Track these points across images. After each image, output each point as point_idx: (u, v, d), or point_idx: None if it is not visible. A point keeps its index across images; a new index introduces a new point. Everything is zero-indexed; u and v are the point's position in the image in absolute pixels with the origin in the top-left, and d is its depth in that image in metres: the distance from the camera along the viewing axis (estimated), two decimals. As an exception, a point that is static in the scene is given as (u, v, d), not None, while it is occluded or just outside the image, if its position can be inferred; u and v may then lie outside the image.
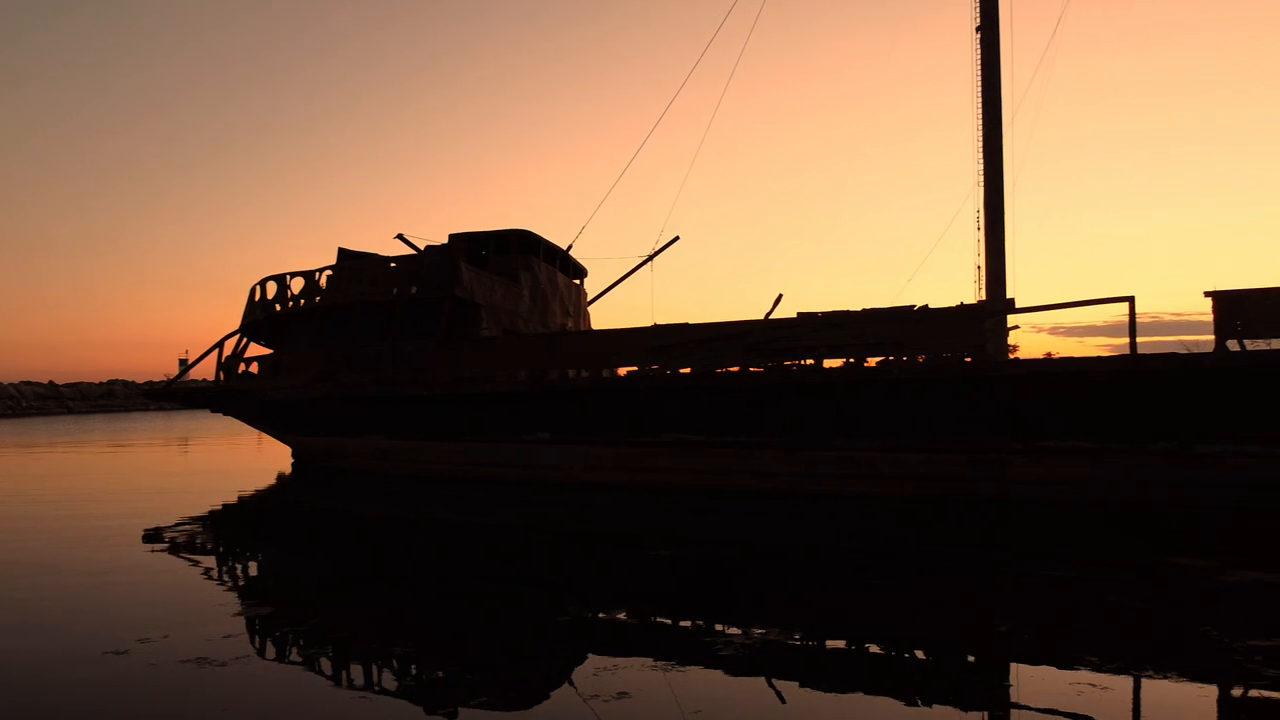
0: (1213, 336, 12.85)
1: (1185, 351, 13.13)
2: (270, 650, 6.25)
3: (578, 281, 25.45)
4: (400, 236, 21.68)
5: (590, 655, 5.93)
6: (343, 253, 22.23)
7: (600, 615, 7.17)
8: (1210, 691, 5.09)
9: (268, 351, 23.46)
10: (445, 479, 18.33)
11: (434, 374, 18.51)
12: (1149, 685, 5.25)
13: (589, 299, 26.43)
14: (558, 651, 6.15)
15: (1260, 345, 12.76)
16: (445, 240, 21.44)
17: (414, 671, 5.73)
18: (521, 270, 21.59)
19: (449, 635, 6.63)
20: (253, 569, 9.77)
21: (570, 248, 24.19)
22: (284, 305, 21.79)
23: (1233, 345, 12.74)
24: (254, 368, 22.57)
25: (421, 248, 21.16)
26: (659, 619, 6.99)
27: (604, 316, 69.10)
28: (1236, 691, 5.04)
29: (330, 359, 20.18)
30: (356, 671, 5.73)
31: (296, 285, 21.76)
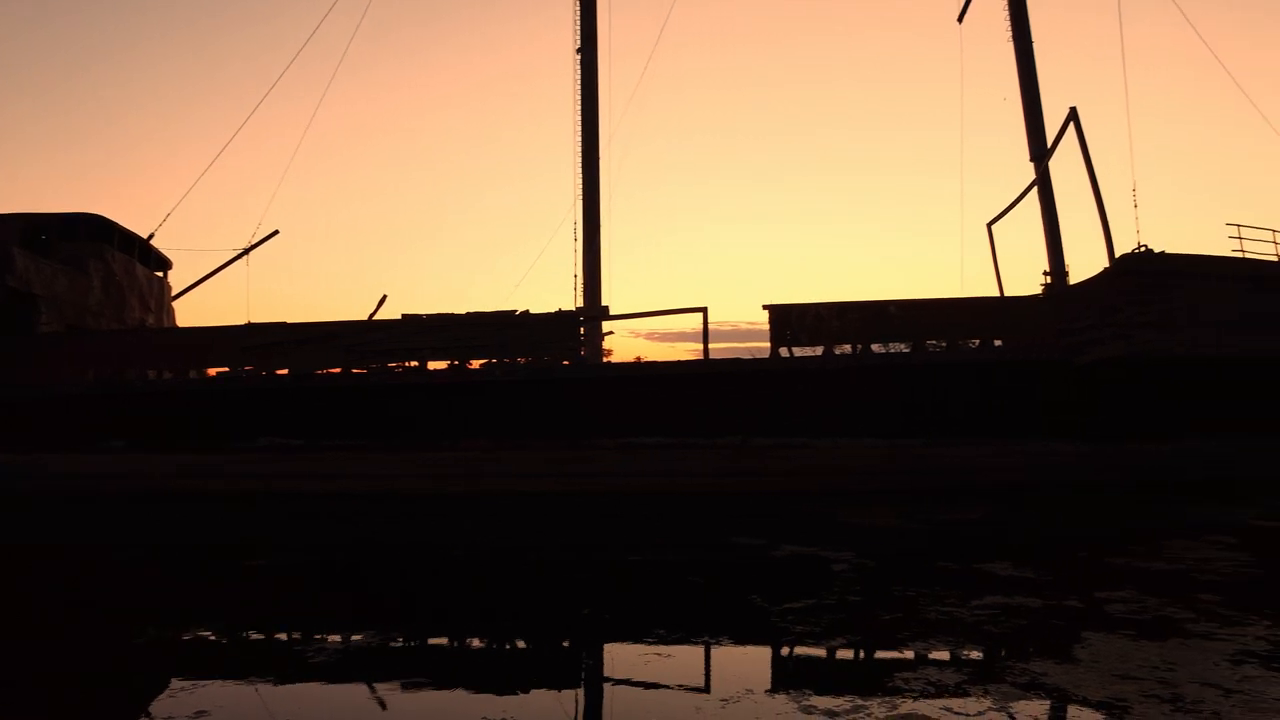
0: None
1: (750, 357, 15.16)
2: None
3: (160, 274, 23.17)
4: (-66, 214, 18.33)
5: (171, 679, 5.56)
6: None
7: (184, 636, 6.70)
8: (753, 649, 6.02)
9: None
10: None
11: None
12: (710, 650, 6.07)
13: (174, 294, 24.15)
14: (131, 676, 5.69)
15: (806, 352, 15.05)
16: (-7, 220, 18.54)
17: (-52, 720, 5.01)
18: (91, 259, 19.25)
19: (2, 670, 5.85)
20: None
21: (152, 236, 21.96)
22: None
23: (785, 352, 14.88)
24: None
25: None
26: (251, 633, 6.73)
27: (192, 313, 64.03)
28: (783, 650, 5.95)
29: None
30: None
31: None
